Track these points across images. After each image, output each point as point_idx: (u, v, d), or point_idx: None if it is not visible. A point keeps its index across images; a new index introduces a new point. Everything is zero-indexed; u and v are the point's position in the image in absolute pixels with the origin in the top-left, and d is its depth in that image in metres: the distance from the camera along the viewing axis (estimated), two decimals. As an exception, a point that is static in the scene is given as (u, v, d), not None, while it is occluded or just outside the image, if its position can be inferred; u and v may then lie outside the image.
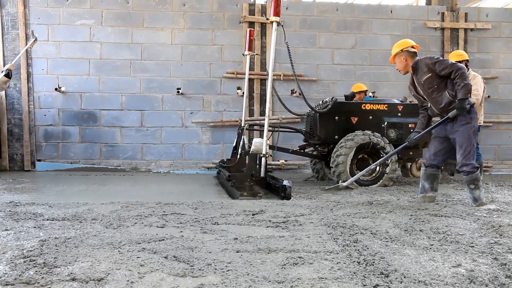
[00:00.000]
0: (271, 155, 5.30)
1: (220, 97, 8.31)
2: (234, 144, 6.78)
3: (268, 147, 5.26)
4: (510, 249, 2.60)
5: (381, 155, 5.90)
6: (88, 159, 8.11)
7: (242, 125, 7.21)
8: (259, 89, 8.32)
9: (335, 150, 5.94)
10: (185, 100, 8.23)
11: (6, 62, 7.95)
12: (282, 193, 4.75)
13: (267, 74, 7.02)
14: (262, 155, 5.15)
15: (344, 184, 5.35)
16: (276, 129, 6.36)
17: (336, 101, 6.18)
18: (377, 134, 5.99)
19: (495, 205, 4.25)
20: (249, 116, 8.28)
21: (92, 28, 8.08)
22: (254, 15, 8.28)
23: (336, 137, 6.11)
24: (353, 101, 6.91)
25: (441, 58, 4.32)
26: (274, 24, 5.17)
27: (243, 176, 5.25)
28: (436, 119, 4.53)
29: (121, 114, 8.15)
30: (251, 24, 8.29)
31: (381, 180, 5.95)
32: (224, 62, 8.29)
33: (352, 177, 5.78)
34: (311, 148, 6.90)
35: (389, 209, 3.97)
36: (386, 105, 6.28)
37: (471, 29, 8.69)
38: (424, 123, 4.59)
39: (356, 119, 6.20)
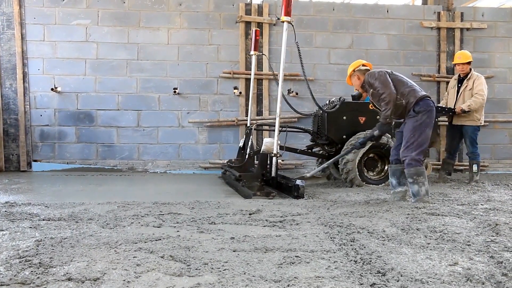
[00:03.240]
0: (280, 155, 5.31)
1: (216, 97, 8.30)
2: (242, 144, 6.78)
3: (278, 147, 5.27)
4: (506, 247, 2.61)
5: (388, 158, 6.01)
6: (84, 159, 8.09)
7: (248, 124, 7.22)
8: (255, 89, 8.31)
9: (349, 141, 5.98)
10: (181, 100, 8.22)
11: (1, 62, 7.93)
12: (295, 192, 4.77)
13: (273, 74, 7.07)
14: (273, 154, 5.16)
15: (309, 174, 5.42)
16: (284, 129, 6.34)
17: (344, 101, 6.25)
18: (388, 135, 6.05)
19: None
20: (245, 116, 8.27)
21: (88, 28, 8.06)
22: (250, 14, 8.28)
23: (344, 136, 6.15)
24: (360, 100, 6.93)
25: (373, 76, 4.50)
26: (285, 24, 5.15)
27: (254, 175, 5.27)
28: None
29: (117, 114, 8.13)
30: (248, 24, 8.28)
31: (386, 182, 6.00)
32: (221, 62, 8.28)
33: (359, 174, 5.86)
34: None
35: (386, 208, 3.97)
36: None
37: (467, 29, 8.71)
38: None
39: (364, 119, 6.25)
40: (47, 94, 7.99)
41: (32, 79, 7.99)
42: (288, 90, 8.25)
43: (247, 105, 8.28)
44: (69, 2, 8.01)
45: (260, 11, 8.33)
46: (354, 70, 4.77)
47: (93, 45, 8.07)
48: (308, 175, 5.41)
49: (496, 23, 8.79)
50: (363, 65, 4.78)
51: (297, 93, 8.27)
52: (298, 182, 4.80)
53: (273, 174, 5.21)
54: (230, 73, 8.22)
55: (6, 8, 7.88)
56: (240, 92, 8.22)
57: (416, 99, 4.33)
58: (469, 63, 6.53)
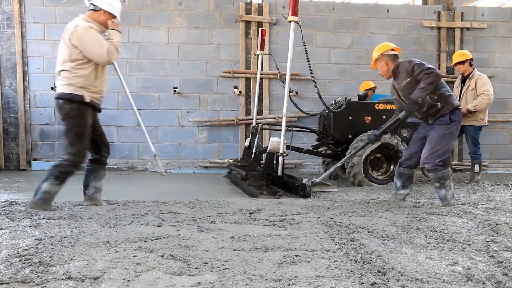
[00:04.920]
0: (287, 154, 5.28)
1: (216, 96, 8.29)
2: (248, 144, 6.77)
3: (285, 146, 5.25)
4: (506, 247, 2.60)
5: (396, 158, 6.00)
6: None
7: (254, 124, 7.21)
8: (255, 88, 8.30)
9: (352, 144, 5.99)
10: (181, 99, 8.21)
11: (1, 61, 7.92)
12: (302, 191, 4.77)
13: (279, 74, 7.06)
14: (279, 154, 5.15)
15: (318, 180, 5.06)
16: (290, 128, 6.32)
17: (350, 100, 6.25)
18: (398, 138, 6.09)
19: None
20: (246, 115, 8.27)
21: (88, 27, 8.04)
22: (250, 14, 8.27)
23: (350, 136, 6.17)
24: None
25: (418, 62, 4.20)
26: (292, 24, 5.12)
27: (260, 175, 5.26)
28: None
29: (117, 113, 8.12)
30: (248, 23, 8.28)
31: (389, 183, 5.99)
32: (221, 61, 8.28)
33: (363, 172, 5.86)
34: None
35: (386, 208, 3.97)
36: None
37: (467, 29, 8.71)
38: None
39: (369, 118, 6.27)
40: (47, 93, 7.99)
41: (32, 78, 7.99)
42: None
43: (247, 104, 8.29)
44: (69, 1, 8.00)
45: (260, 11, 8.33)
46: (382, 54, 4.35)
47: (93, 44, 8.05)
48: (317, 180, 5.06)
49: (496, 23, 8.79)
50: (392, 50, 4.37)
51: (297, 93, 8.27)
52: (305, 181, 4.80)
53: (279, 173, 5.20)
54: (230, 73, 8.22)
55: (6, 7, 7.88)
56: (240, 92, 8.22)
57: (454, 107, 4.14)
58: (463, 62, 6.48)
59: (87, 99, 3.85)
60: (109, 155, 4.36)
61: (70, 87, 3.83)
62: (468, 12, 8.84)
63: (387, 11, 8.64)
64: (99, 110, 4.12)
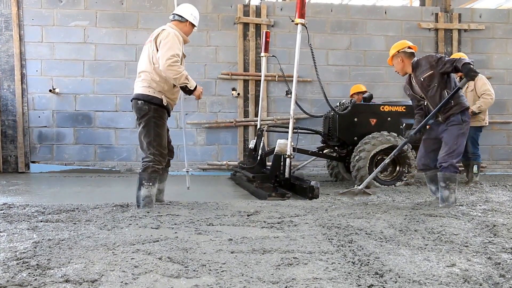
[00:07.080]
0: (293, 156, 5.28)
1: (215, 98, 8.30)
2: (253, 146, 6.77)
3: (292, 148, 5.24)
4: (504, 248, 2.61)
5: (403, 162, 6.03)
6: (82, 160, 8.08)
7: (258, 126, 7.22)
8: (254, 90, 8.32)
9: (362, 141, 6.02)
10: (179, 101, 8.19)
11: (0, 63, 7.93)
12: (310, 193, 4.77)
13: (283, 75, 7.06)
14: (286, 156, 5.15)
15: (360, 186, 4.68)
16: (296, 130, 6.31)
17: (355, 102, 6.27)
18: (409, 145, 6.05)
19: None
20: (244, 117, 8.27)
21: (87, 29, 8.05)
22: (248, 16, 8.29)
23: (355, 138, 6.18)
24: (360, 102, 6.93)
25: (443, 56, 4.31)
26: (299, 26, 5.10)
27: (267, 177, 5.26)
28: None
29: (115, 116, 8.12)
30: (246, 25, 8.29)
31: (400, 181, 6.03)
32: (219, 63, 8.29)
33: (368, 170, 5.83)
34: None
35: (383, 210, 3.97)
36: (404, 107, 6.37)
37: (465, 30, 8.73)
38: (421, 120, 4.46)
39: (375, 120, 6.27)
40: (45, 95, 7.99)
41: (30, 80, 7.99)
42: (286, 91, 8.24)
43: (245, 106, 8.29)
44: (67, 3, 8.00)
45: (258, 13, 8.34)
46: (398, 51, 4.46)
47: (91, 47, 8.07)
48: (360, 187, 4.68)
49: (493, 24, 8.82)
50: (409, 48, 4.47)
51: (295, 94, 8.26)
52: (313, 183, 4.79)
53: (286, 175, 5.20)
54: (228, 74, 8.23)
55: (4, 9, 7.88)
56: (239, 94, 8.23)
57: (465, 107, 4.23)
58: None
59: (165, 102, 4.09)
60: (172, 158, 4.55)
61: (150, 89, 4.06)
62: (465, 13, 8.86)
63: (385, 12, 8.66)
64: (169, 115, 4.31)
